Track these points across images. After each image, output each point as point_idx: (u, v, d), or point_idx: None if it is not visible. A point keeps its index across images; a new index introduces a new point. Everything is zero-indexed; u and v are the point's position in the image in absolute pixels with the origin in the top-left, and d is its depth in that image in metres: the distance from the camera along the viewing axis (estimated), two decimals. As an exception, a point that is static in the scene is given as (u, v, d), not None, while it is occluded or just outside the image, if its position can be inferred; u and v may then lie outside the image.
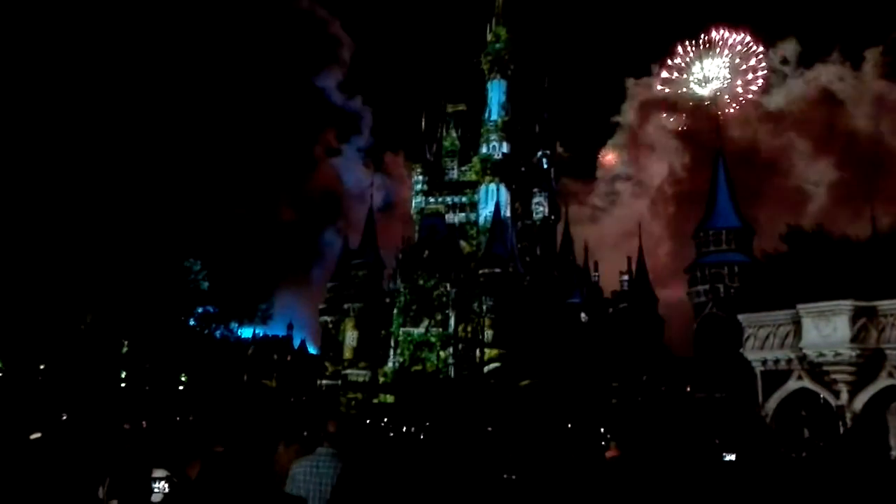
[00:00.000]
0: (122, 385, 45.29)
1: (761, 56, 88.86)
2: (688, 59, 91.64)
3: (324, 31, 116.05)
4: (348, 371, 60.68)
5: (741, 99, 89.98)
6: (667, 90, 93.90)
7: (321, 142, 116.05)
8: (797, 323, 24.57)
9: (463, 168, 69.64)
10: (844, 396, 23.41)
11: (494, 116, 68.29)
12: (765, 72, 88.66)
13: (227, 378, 53.29)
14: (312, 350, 74.53)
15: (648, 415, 43.31)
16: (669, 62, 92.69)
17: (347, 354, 61.78)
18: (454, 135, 71.25)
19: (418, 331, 58.96)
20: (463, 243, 65.70)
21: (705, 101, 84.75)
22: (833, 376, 23.70)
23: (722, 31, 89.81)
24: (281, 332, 74.90)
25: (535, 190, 70.02)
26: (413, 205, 70.20)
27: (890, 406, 23.64)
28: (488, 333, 57.38)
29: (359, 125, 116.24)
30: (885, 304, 23.17)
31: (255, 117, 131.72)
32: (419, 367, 57.12)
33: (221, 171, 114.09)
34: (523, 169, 70.60)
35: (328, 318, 65.16)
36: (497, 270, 58.34)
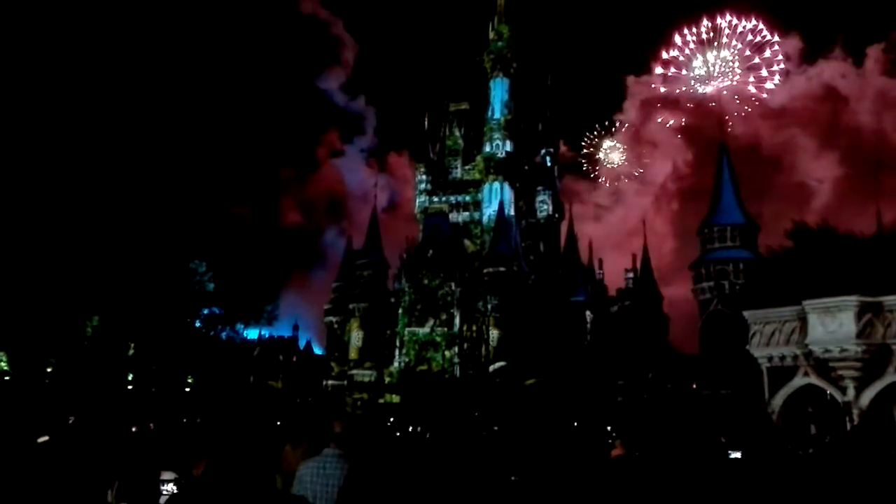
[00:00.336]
0: (129, 387, 45.43)
1: (776, 47, 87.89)
2: (688, 52, 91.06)
3: (326, 33, 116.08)
4: (354, 371, 60.75)
5: (753, 99, 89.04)
6: (664, 88, 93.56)
7: (325, 143, 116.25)
8: (803, 319, 24.52)
9: (466, 167, 69.60)
10: (851, 392, 23.36)
11: (497, 115, 68.26)
12: (781, 66, 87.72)
13: (233, 379, 53.40)
14: (318, 350, 74.67)
15: (654, 413, 43.24)
16: (667, 55, 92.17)
17: (353, 355, 61.85)
18: (457, 134, 71.22)
19: (423, 330, 58.97)
20: (467, 242, 65.70)
21: (709, 99, 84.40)
22: (839, 372, 23.65)
23: (730, 19, 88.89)
24: (286, 333, 75.11)
25: (539, 188, 69.96)
26: (417, 204, 70.19)
27: (897, 402, 23.58)
28: (493, 332, 57.38)
29: (362, 126, 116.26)
30: (890, 300, 23.11)
31: (259, 119, 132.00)
32: (424, 367, 57.15)
33: (226, 174, 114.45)
34: (527, 167, 70.56)
35: (333, 319, 65.24)
36: (501, 269, 58.34)
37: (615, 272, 71.85)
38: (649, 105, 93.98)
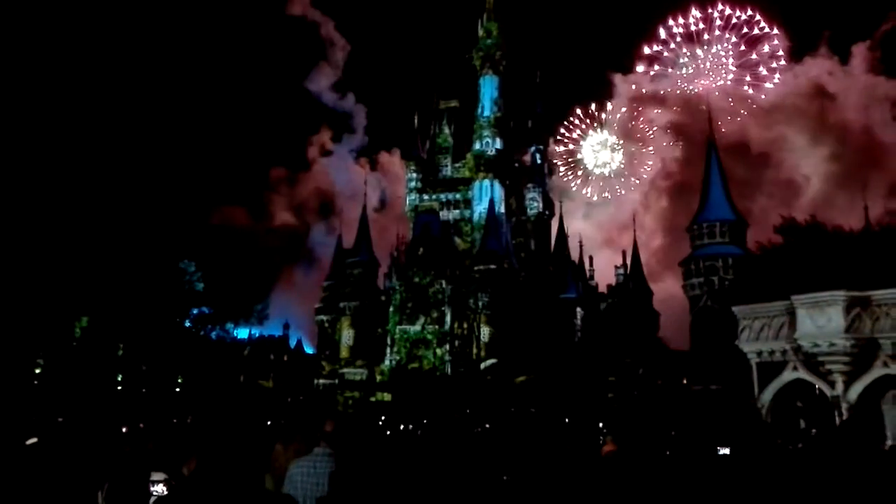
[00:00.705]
0: (119, 388, 45.19)
1: (776, 41, 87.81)
2: (673, 47, 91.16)
3: (315, 34, 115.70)
4: (345, 370, 60.67)
5: (749, 99, 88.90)
6: (650, 86, 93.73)
7: (315, 142, 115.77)
8: (792, 314, 24.66)
9: (456, 165, 69.59)
10: (840, 387, 23.51)
11: (487, 112, 68.28)
12: (781, 62, 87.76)
13: (224, 379, 53.18)
14: (309, 350, 74.50)
15: (645, 409, 43.44)
16: (651, 49, 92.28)
17: (344, 353, 61.77)
18: (447, 131, 71.19)
19: (414, 328, 58.97)
20: (457, 240, 65.74)
21: (698, 96, 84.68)
22: (828, 366, 23.81)
23: (722, 8, 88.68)
24: (277, 332, 74.82)
25: (529, 185, 70.06)
26: (407, 202, 70.13)
27: (885, 395, 23.77)
28: (484, 330, 57.44)
29: (352, 125, 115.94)
30: (878, 294, 23.28)
31: (249, 120, 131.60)
32: (416, 365, 57.15)
33: (216, 174, 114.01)
34: (516, 164, 70.64)
35: (324, 318, 65.13)
36: (492, 267, 58.39)
37: (605, 269, 72.12)
38: (637, 102, 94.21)
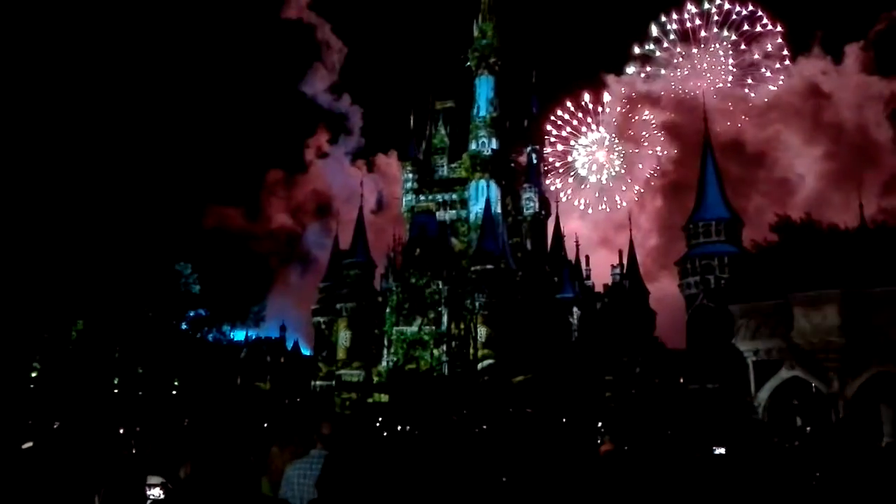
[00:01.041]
0: (115, 391, 45.07)
1: (780, 40, 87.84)
2: (667, 47, 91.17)
3: (311, 36, 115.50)
4: (342, 371, 60.60)
5: (748, 97, 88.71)
6: (645, 86, 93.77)
7: (312, 144, 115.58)
8: (788, 312, 24.72)
9: (452, 165, 69.54)
10: (835, 384, 23.58)
11: (483, 112, 68.25)
12: (786, 63, 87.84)
13: (221, 381, 53.10)
14: (306, 351, 74.38)
15: (642, 408, 43.47)
16: (641, 49, 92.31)
17: (341, 355, 61.69)
18: (443, 132, 71.12)
19: (411, 329, 58.92)
20: (454, 240, 65.68)
21: (693, 94, 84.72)
22: (824, 364, 23.87)
23: (720, 2, 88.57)
24: (274, 334, 74.75)
25: (525, 185, 70.09)
26: (403, 203, 70.06)
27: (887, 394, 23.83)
28: (481, 330, 57.42)
29: (348, 126, 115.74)
30: (874, 292, 23.35)
31: (245, 122, 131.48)
32: (413, 366, 57.10)
33: (212, 176, 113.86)
34: (512, 165, 70.66)
35: (321, 319, 65.05)
36: (489, 267, 58.37)
37: (602, 268, 72.26)
38: (631, 102, 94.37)
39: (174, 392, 49.19)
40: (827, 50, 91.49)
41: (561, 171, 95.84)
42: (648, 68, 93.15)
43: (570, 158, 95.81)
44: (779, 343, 25.22)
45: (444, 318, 58.32)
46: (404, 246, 63.17)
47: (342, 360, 61.17)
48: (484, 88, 69.16)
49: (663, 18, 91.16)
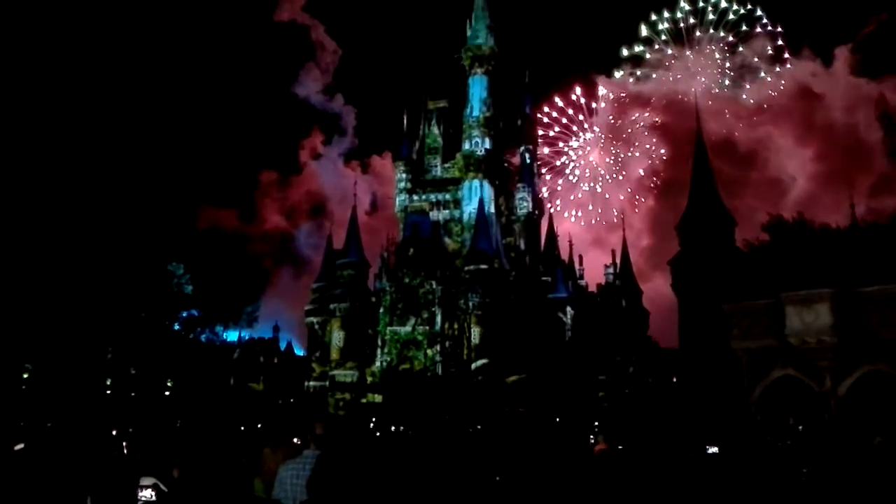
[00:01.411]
0: (108, 392, 44.88)
1: (780, 42, 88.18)
2: (658, 47, 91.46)
3: (305, 37, 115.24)
4: (336, 372, 60.50)
5: (746, 99, 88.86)
6: (636, 86, 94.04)
7: (306, 145, 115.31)
8: (780, 311, 24.81)
9: (446, 165, 69.49)
10: (828, 383, 23.68)
11: (476, 112, 68.24)
12: (788, 66, 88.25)
13: (214, 382, 52.94)
14: (299, 352, 74.21)
15: (636, 408, 43.59)
16: (636, 50, 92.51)
17: (334, 355, 61.59)
18: (436, 132, 71.06)
19: (405, 329, 58.90)
20: (447, 240, 65.67)
21: (686, 95, 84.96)
22: (816, 363, 23.96)
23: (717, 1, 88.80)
24: (267, 335, 74.48)
25: (519, 185, 70.12)
26: (397, 203, 69.97)
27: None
28: (475, 330, 57.44)
29: (342, 126, 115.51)
30: (865, 291, 23.46)
31: (239, 123, 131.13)
32: (407, 366, 57.08)
33: (205, 176, 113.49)
34: (506, 164, 70.69)
35: (314, 319, 64.91)
36: (482, 267, 58.38)
37: (595, 268, 72.35)
38: (622, 102, 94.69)
39: (167, 393, 49.03)
40: (817, 52, 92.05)
41: (555, 171, 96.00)
42: (638, 73, 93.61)
43: (563, 159, 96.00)
44: (771, 342, 25.30)
45: (438, 318, 58.31)
46: (398, 246, 63.12)
47: (336, 361, 61.07)
48: (477, 88, 69.16)
49: (654, 17, 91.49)
